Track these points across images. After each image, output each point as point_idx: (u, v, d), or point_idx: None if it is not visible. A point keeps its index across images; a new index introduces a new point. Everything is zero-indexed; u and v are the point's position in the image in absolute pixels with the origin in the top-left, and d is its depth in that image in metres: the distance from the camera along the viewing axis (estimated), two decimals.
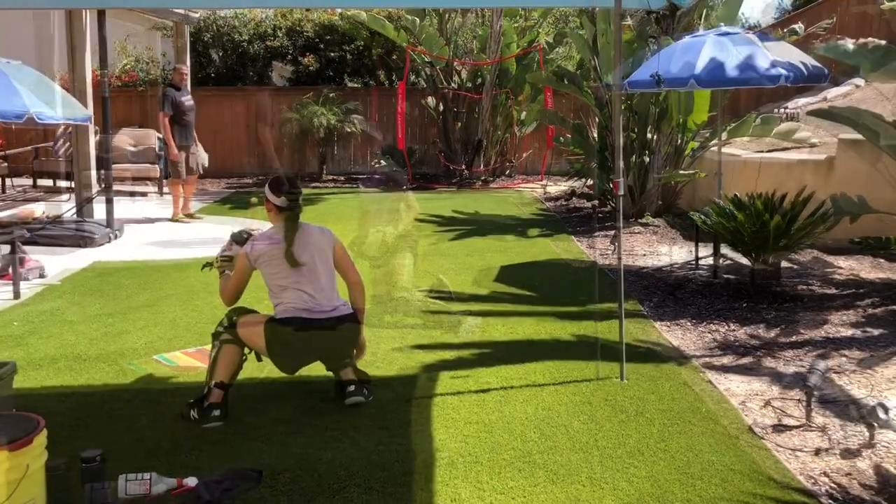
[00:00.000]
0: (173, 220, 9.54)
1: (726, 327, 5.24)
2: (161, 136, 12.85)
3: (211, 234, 8.87)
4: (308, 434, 3.54)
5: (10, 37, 14.07)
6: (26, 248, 6.87)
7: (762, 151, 8.66)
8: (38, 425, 2.67)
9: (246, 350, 3.87)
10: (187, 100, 9.49)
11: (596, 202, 10.45)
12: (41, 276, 6.53)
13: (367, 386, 3.95)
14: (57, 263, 6.97)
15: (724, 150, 7.88)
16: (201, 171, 9.89)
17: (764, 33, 7.70)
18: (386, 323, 5.30)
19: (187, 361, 4.54)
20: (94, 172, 9.11)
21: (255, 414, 3.77)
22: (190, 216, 9.70)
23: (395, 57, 14.73)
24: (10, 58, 6.28)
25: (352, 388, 3.87)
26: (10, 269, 6.11)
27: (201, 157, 9.79)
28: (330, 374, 4.02)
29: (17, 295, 5.93)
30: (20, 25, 14.62)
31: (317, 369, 4.25)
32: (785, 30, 9.11)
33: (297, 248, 3.78)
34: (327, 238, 3.94)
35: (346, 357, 3.95)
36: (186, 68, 9.81)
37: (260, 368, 4.26)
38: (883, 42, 5.50)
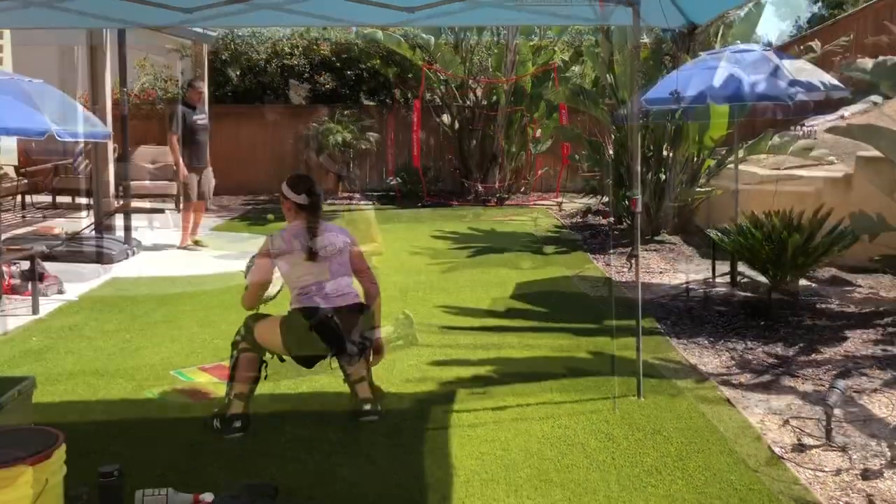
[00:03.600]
0: (181, 247, 8.89)
1: (744, 345, 5.20)
2: None
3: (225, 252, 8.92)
4: (324, 451, 3.54)
5: (32, 56, 14.29)
6: (45, 264, 6.93)
7: (779, 169, 8.62)
8: (58, 439, 2.67)
9: (267, 356, 3.87)
10: (201, 118, 8.87)
11: (612, 220, 10.42)
12: (59, 291, 6.58)
13: (379, 403, 3.95)
14: (75, 279, 7.03)
15: (740, 167, 7.85)
16: (210, 197, 9.31)
17: (781, 51, 7.68)
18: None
19: (205, 377, 4.55)
20: (112, 189, 9.20)
21: (271, 431, 3.77)
22: (197, 242, 9.01)
23: (410, 76, 14.82)
24: (32, 77, 6.37)
25: (367, 406, 3.88)
26: (30, 285, 6.16)
27: (209, 181, 9.09)
28: (345, 388, 4.01)
29: (35, 310, 5.99)
30: (42, 45, 14.85)
31: (332, 385, 4.25)
32: (801, 47, 9.10)
33: (316, 242, 3.84)
34: (345, 236, 4.01)
35: (362, 351, 3.91)
36: (203, 85, 9.27)
37: (276, 385, 4.26)
38: None
